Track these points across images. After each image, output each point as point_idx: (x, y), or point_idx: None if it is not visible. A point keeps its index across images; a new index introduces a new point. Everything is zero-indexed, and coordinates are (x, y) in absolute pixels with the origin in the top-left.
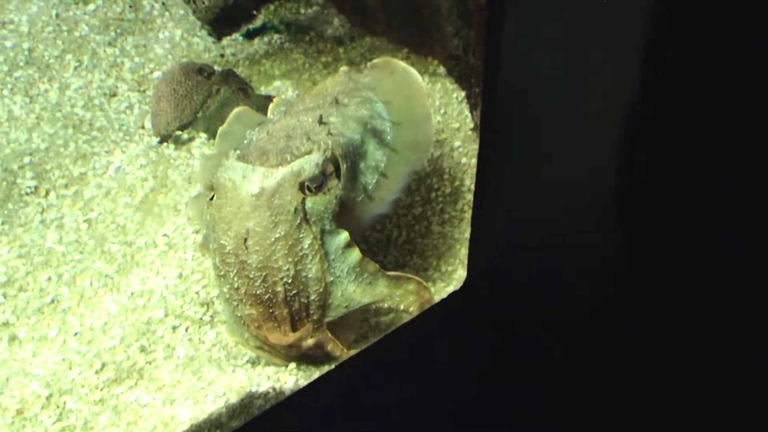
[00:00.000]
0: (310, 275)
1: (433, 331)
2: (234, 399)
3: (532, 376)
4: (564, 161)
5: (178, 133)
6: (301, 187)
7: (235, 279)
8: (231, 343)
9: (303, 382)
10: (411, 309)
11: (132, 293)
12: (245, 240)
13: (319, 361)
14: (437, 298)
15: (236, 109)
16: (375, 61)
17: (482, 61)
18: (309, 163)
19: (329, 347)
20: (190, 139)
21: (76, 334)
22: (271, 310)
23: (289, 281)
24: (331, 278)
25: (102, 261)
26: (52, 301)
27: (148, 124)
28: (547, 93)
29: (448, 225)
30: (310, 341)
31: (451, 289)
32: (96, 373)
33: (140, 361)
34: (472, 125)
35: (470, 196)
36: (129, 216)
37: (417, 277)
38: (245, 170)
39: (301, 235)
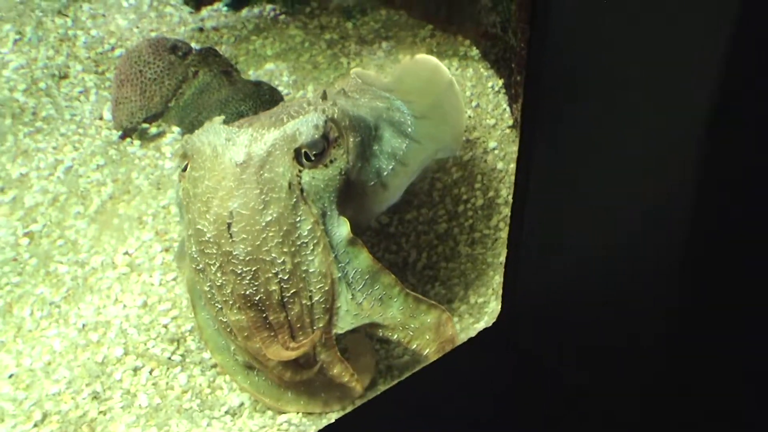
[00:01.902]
0: (311, 269)
1: (459, 378)
2: None
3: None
4: (626, 173)
5: (145, 126)
6: (297, 155)
7: (218, 275)
8: (215, 362)
9: None
10: (426, 351)
11: (83, 326)
12: (229, 225)
13: (320, 395)
14: (463, 337)
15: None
16: (404, 61)
17: (526, 41)
18: (307, 124)
19: (337, 371)
20: (160, 134)
21: (10, 376)
22: (264, 315)
23: (286, 277)
24: (339, 274)
25: (46, 285)
26: None
27: (107, 115)
28: (608, 86)
29: (479, 246)
30: (323, 356)
31: (481, 325)
32: (35, 426)
33: (92, 411)
34: (510, 122)
35: (507, 210)
36: (81, 229)
37: (441, 306)
38: (228, 132)
39: (298, 219)
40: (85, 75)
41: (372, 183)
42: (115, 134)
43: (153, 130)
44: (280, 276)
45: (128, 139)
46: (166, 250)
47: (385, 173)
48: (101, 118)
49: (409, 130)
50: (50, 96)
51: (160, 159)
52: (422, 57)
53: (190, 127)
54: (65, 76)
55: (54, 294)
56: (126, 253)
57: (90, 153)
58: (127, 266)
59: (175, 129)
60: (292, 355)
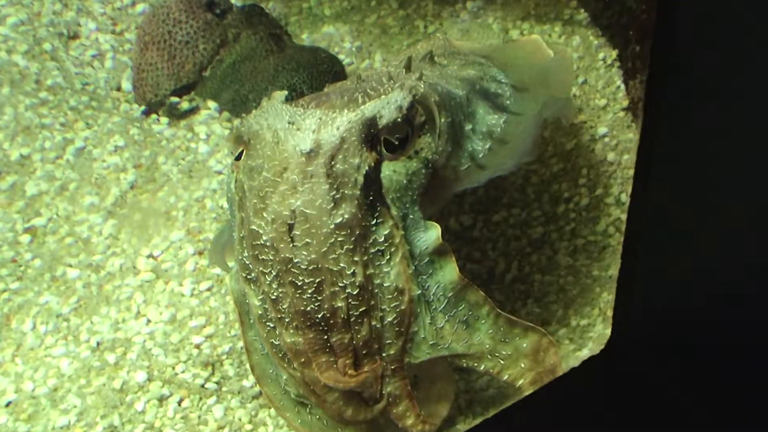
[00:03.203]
0: (386, 283)
1: (558, 415)
2: None
3: None
4: None
5: (174, 99)
6: (375, 143)
7: (274, 286)
8: (260, 392)
9: None
10: (520, 383)
11: (98, 344)
12: (290, 227)
13: None
14: (565, 366)
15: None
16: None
17: (649, 2)
18: (388, 106)
19: (402, 409)
20: (193, 111)
21: (8, 404)
22: (325, 337)
23: (355, 292)
24: (418, 291)
25: (52, 292)
26: None
27: (126, 85)
28: (762, 60)
29: (583, 256)
30: (390, 387)
31: (585, 353)
32: None
33: None
34: (626, 103)
35: (618, 212)
36: (96, 225)
37: (541, 330)
38: (293, 114)
39: (374, 221)
40: (100, 35)
41: (465, 167)
42: (138, 109)
43: (184, 105)
44: (348, 290)
45: (153, 116)
46: (200, 253)
47: (481, 155)
48: (119, 89)
49: (507, 102)
50: (57, 60)
51: (192, 141)
52: (528, 38)
53: (229, 102)
54: (75, 36)
55: (62, 304)
56: (150, 255)
57: (106, 132)
58: (151, 272)
59: (211, 104)
60: (350, 382)
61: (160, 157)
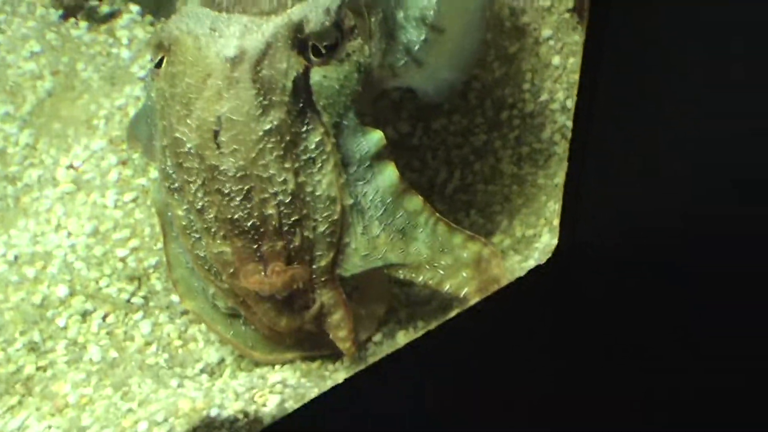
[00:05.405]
0: (318, 192)
1: (501, 327)
2: (181, 429)
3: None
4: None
5: (94, 2)
6: (303, 48)
7: (199, 195)
8: (187, 309)
9: (292, 404)
10: (464, 292)
11: (15, 258)
12: (216, 133)
13: (321, 355)
14: (510, 277)
15: None
16: None
17: None
18: (315, 9)
19: (337, 319)
20: (114, 14)
21: None
22: (255, 246)
23: (287, 200)
24: (351, 200)
25: None
26: None
27: None
28: None
29: (528, 164)
30: (325, 297)
31: (531, 264)
32: None
33: (28, 367)
34: (571, 3)
35: (565, 119)
36: (11, 135)
37: (483, 239)
38: (215, 20)
39: (304, 129)
40: None
41: (402, 63)
42: (55, 13)
43: (104, 8)
44: (279, 197)
45: (72, 20)
46: (124, 162)
47: (417, 47)
48: None
49: None
50: None
51: (114, 46)
52: None
53: (152, 4)
54: None
55: None
56: (70, 166)
57: (21, 37)
58: (72, 183)
59: (133, 8)
60: (276, 282)
61: (79, 63)
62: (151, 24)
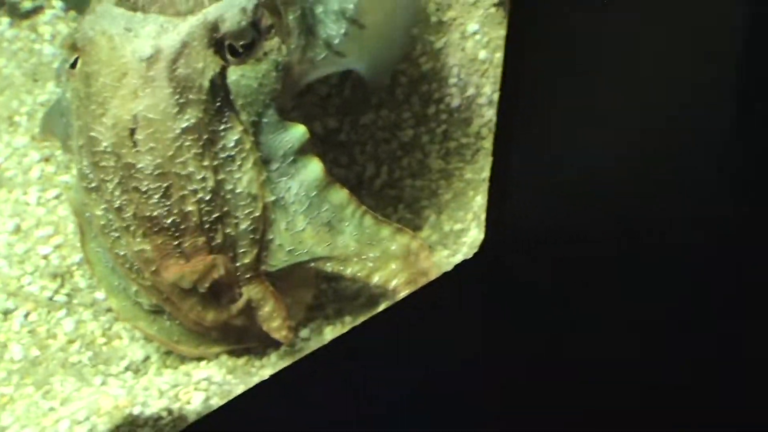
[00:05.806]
0: (238, 189)
1: (429, 321)
2: (103, 427)
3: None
4: (656, 58)
5: None
6: (220, 47)
7: (116, 194)
8: (112, 309)
9: (217, 401)
10: (393, 284)
11: None
12: (132, 131)
13: (249, 350)
14: (438, 272)
15: None
16: None
17: None
18: (231, 8)
19: (268, 310)
20: (36, 10)
21: None
22: (177, 243)
23: (207, 198)
24: (273, 197)
25: None
26: None
27: None
28: None
29: (456, 159)
30: (252, 292)
31: (458, 258)
32: None
33: None
34: None
35: (493, 114)
36: None
37: (411, 232)
38: (130, 20)
39: (222, 127)
40: None
41: (323, 56)
42: None
43: (27, 4)
44: (199, 195)
45: None
46: (46, 159)
47: (337, 41)
48: None
49: None
50: None
51: (37, 42)
52: None
53: (77, 0)
54: None
55: None
56: None
57: None
58: None
59: (57, 3)
60: (197, 267)
61: (1, 59)
62: (75, 20)
